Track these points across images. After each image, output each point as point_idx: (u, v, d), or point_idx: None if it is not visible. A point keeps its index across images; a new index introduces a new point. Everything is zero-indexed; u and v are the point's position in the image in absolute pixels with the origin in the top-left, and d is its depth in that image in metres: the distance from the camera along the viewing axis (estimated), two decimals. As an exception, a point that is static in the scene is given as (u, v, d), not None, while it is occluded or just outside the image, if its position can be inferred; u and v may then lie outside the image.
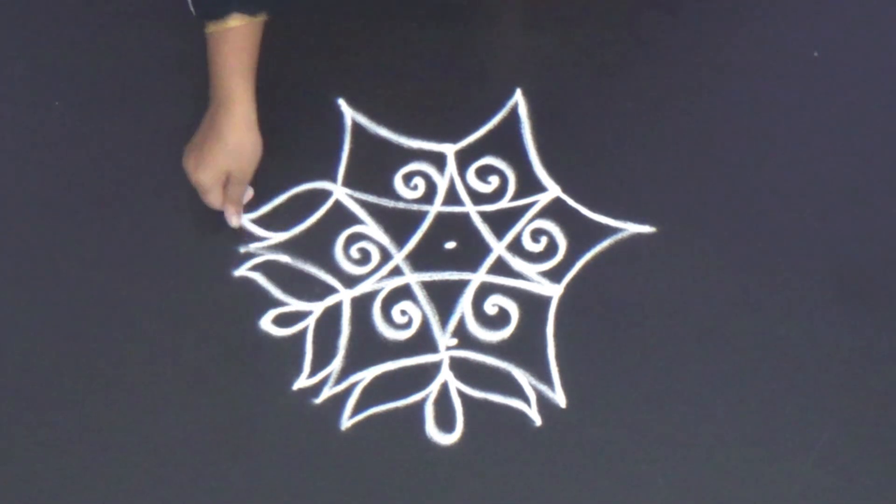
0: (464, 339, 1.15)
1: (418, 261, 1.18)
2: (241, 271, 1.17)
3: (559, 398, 1.12)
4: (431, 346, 1.15)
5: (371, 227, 1.19)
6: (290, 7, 1.16)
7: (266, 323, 1.15)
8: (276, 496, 1.09)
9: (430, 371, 1.14)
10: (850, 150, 1.21)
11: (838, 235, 1.17)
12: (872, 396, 1.11)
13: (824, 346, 1.13)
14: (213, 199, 1.15)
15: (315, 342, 1.15)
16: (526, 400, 1.12)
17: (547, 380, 1.13)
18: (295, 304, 1.16)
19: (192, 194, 1.19)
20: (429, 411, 1.12)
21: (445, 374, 1.13)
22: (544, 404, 1.12)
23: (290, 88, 1.24)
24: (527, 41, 1.26)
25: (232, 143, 1.11)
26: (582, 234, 1.18)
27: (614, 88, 1.23)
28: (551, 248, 1.17)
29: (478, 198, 1.20)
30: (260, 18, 1.09)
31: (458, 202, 1.20)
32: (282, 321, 1.15)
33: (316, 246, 1.18)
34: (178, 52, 1.26)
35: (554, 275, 1.17)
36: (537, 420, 1.12)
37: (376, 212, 1.19)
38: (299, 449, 1.11)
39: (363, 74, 1.23)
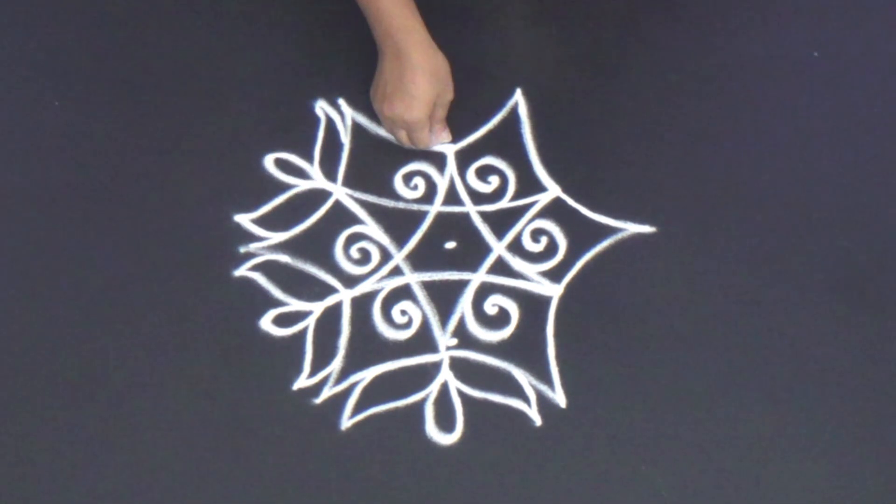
0: (464, 339, 1.15)
1: (418, 261, 1.18)
2: (241, 271, 1.17)
3: (559, 398, 1.12)
4: (431, 346, 1.15)
5: (371, 227, 1.19)
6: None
7: (266, 323, 1.15)
8: (276, 496, 1.09)
9: (430, 371, 1.14)
10: (851, 149, 1.21)
11: (838, 235, 1.17)
12: (872, 396, 1.11)
13: (825, 346, 1.13)
14: (426, 134, 1.17)
15: (315, 342, 1.15)
16: (526, 400, 1.12)
17: (547, 380, 1.13)
18: (295, 304, 1.16)
19: (192, 194, 1.19)
20: (429, 411, 1.12)
21: (445, 374, 1.13)
22: (544, 404, 1.12)
23: (291, 88, 1.24)
24: (527, 41, 1.27)
25: (430, 69, 1.12)
26: (582, 234, 1.18)
27: (614, 88, 1.23)
28: (551, 248, 1.17)
29: (478, 198, 1.20)
30: None
31: (458, 202, 1.20)
32: (282, 321, 1.15)
33: (316, 246, 1.18)
34: (178, 52, 1.26)
35: (554, 275, 1.17)
36: (537, 420, 1.12)
37: (376, 212, 1.19)
38: (299, 449, 1.11)
39: (363, 74, 1.23)
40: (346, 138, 1.22)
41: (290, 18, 1.27)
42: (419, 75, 1.12)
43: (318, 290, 1.17)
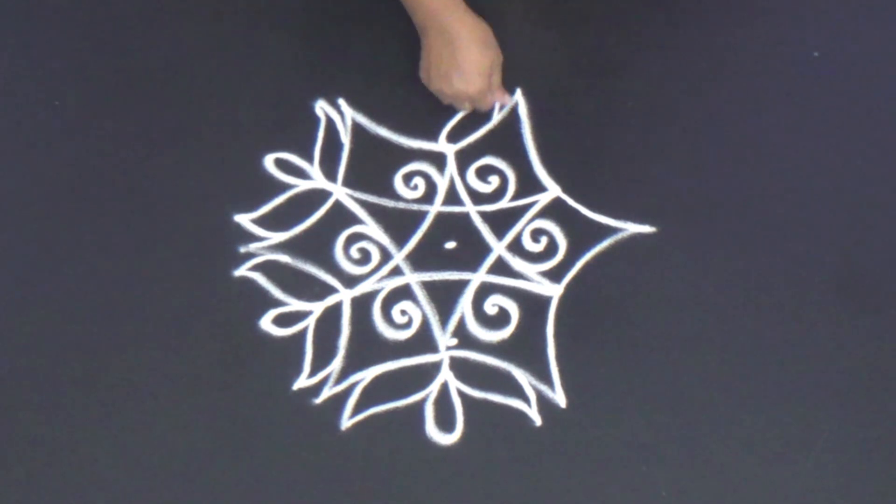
0: (464, 339, 1.15)
1: (418, 261, 1.18)
2: (241, 271, 1.17)
3: (559, 398, 1.12)
4: (431, 346, 1.15)
5: (371, 227, 1.19)
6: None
7: (266, 323, 1.15)
8: (276, 496, 1.09)
9: (430, 371, 1.14)
10: (851, 149, 1.21)
11: (838, 235, 1.17)
12: (872, 396, 1.11)
13: (824, 347, 1.13)
14: (489, 98, 1.17)
15: (315, 342, 1.15)
16: (526, 400, 1.12)
17: (547, 380, 1.13)
18: (295, 304, 1.16)
19: (192, 194, 1.19)
20: (429, 411, 1.12)
21: (445, 374, 1.13)
22: (544, 404, 1.12)
23: (291, 88, 1.24)
24: (527, 41, 1.26)
25: (478, 39, 1.12)
26: (582, 234, 1.18)
27: (614, 88, 1.23)
28: (551, 248, 1.17)
29: (478, 198, 1.20)
30: None
31: (458, 202, 1.20)
32: (282, 321, 1.15)
33: (316, 246, 1.18)
34: (178, 52, 1.26)
35: (554, 275, 1.17)
36: (537, 420, 1.12)
37: (376, 212, 1.19)
38: (299, 449, 1.11)
39: (363, 74, 1.23)
40: (346, 138, 1.22)
41: (290, 18, 1.27)
42: (471, 48, 1.12)
43: (318, 290, 1.17)
